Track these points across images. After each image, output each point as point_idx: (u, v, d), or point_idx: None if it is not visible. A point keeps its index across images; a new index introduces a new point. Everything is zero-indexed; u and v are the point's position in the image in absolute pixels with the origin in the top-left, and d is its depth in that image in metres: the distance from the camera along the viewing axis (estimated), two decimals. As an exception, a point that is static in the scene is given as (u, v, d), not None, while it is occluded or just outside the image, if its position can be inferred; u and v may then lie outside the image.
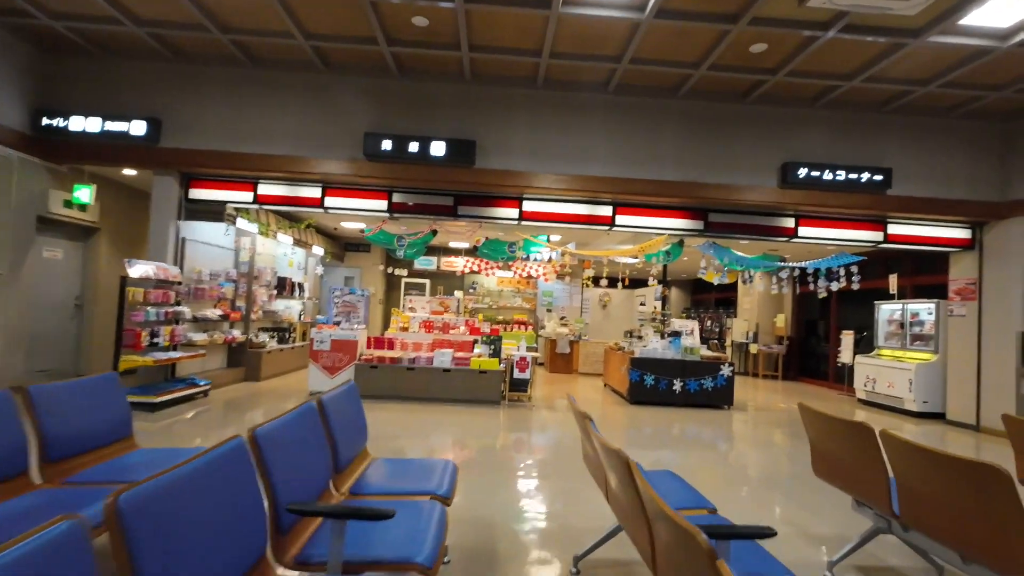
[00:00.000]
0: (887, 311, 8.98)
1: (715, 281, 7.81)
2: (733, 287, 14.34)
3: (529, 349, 11.67)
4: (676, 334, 7.98)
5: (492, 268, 11.66)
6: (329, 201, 6.75)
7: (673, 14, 4.97)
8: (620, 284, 10.46)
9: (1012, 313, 6.54)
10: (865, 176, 6.53)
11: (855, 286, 7.19)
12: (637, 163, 6.60)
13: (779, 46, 5.44)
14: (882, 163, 6.69)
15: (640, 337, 10.06)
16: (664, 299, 11.23)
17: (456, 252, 12.76)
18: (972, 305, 7.06)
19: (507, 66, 6.22)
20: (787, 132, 6.72)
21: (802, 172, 6.51)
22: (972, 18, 4.78)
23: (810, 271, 7.56)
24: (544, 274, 11.29)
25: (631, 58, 5.83)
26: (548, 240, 9.62)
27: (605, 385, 9.36)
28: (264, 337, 8.38)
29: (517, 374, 7.02)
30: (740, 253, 7.75)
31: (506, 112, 6.57)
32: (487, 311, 12.98)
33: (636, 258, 8.14)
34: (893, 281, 8.77)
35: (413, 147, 6.26)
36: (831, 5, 4.55)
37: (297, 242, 9.39)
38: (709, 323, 15.22)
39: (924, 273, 8.87)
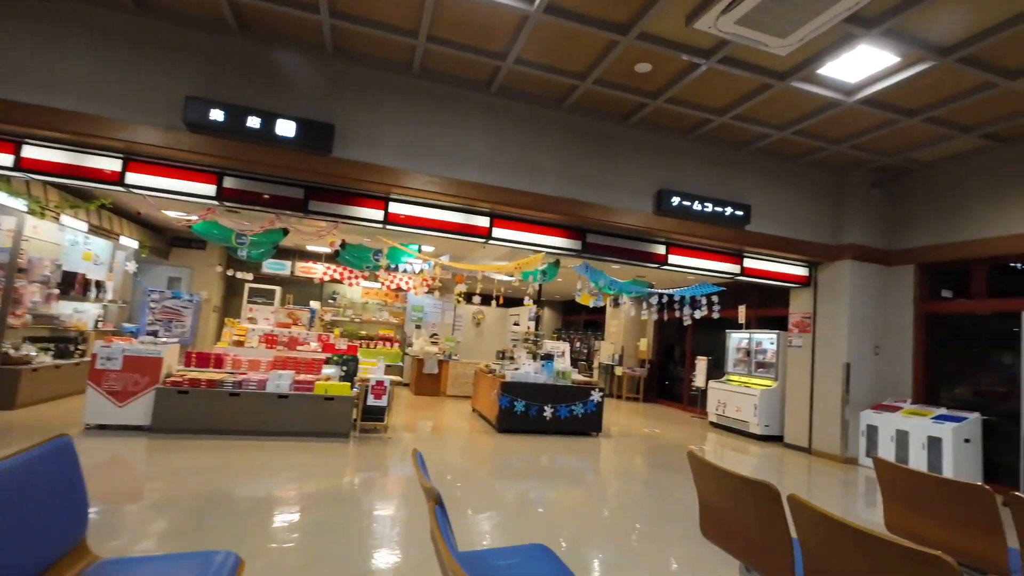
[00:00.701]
0: (736, 339, 9.63)
1: (591, 304, 7.61)
2: (602, 310, 14.76)
3: (391, 369, 10.66)
4: (549, 357, 7.64)
5: (357, 277, 10.48)
6: (133, 178, 5.24)
7: (563, 12, 4.58)
8: (495, 302, 9.96)
9: (839, 346, 7.23)
10: (729, 210, 6.80)
11: (716, 315, 7.46)
12: (518, 173, 6.13)
13: (663, 68, 5.36)
14: (743, 200, 7.05)
15: (512, 359, 9.63)
16: (538, 319, 10.98)
17: (315, 256, 11.32)
18: (808, 337, 7.72)
19: (379, 43, 5.39)
20: (664, 160, 6.78)
21: (675, 200, 6.57)
22: (828, 69, 5.08)
23: (676, 299, 7.72)
24: (414, 287, 10.42)
25: (517, 57, 5.36)
26: (419, 250, 8.81)
27: (473, 410, 8.71)
28: (30, 349, 6.34)
29: (372, 400, 6.05)
30: (612, 277, 7.69)
31: (375, 97, 5.70)
32: (348, 325, 11.68)
33: (512, 276, 7.67)
34: (742, 312, 9.43)
35: (253, 122, 5.10)
36: (715, 31, 4.49)
37: (96, 229, 7.40)
38: (578, 345, 15.47)
39: (767, 306, 9.68)
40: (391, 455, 5.39)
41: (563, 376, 7.46)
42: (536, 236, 6.54)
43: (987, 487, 2.43)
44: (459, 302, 10.48)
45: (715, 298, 7.46)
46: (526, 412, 7.06)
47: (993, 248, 6.24)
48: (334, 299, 11.77)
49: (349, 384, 6.04)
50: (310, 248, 10.72)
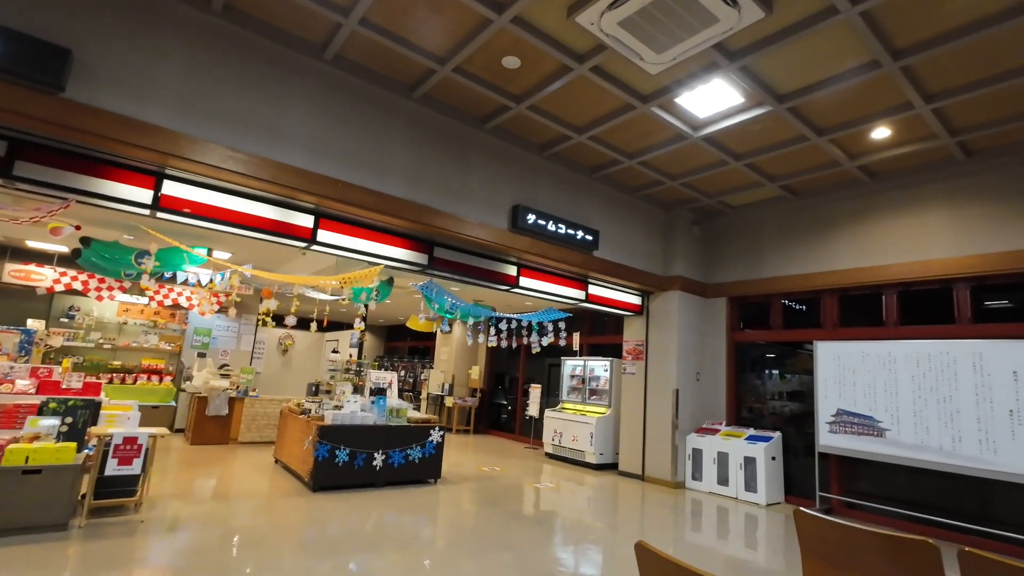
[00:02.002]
0: (571, 366, 9.59)
1: (436, 330, 6.63)
2: (430, 336, 13.80)
3: (157, 413, 8.08)
4: (380, 392, 6.39)
5: (111, 288, 7.73)
6: None
7: (432, -33, 3.72)
8: (314, 326, 8.26)
9: (670, 373, 7.52)
10: (580, 234, 6.59)
11: (563, 342, 7.15)
12: (358, 165, 4.96)
13: (532, 66, 4.84)
14: (592, 224, 6.94)
15: (329, 393, 8.04)
16: (361, 345, 9.56)
17: (42, 257, 8.15)
18: (641, 364, 7.92)
19: (161, -46, 3.80)
20: (520, 174, 6.28)
21: (531, 218, 6.10)
22: (684, 99, 5.15)
23: (524, 324, 7.23)
24: (200, 304, 8.10)
25: (362, 17, 4.29)
26: (210, 253, 6.82)
27: (277, 462, 6.89)
28: None
29: (114, 467, 4.07)
30: (452, 299, 6.87)
31: (152, 28, 4.01)
32: (93, 353, 8.61)
33: (340, 294, 6.30)
34: (576, 339, 9.45)
35: (-98, 13, 3.04)
36: (596, 29, 4.11)
37: None
38: (403, 373, 14.20)
39: (598, 333, 9.90)
40: (139, 556, 3.58)
41: (398, 415, 6.28)
42: (375, 245, 5.38)
43: (931, 541, 2.16)
44: (264, 323, 8.48)
45: (562, 324, 7.16)
46: (351, 462, 5.68)
47: (784, 285, 7.13)
48: (72, 317, 8.59)
49: (75, 444, 3.99)
50: (32, 244, 7.63)
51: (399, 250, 5.55)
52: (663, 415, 7.47)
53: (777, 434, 6.84)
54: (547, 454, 9.13)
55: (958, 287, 5.79)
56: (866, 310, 6.52)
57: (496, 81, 5.13)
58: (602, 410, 8.58)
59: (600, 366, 9.00)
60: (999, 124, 5.05)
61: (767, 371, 7.70)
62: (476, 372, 12.18)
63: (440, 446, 6.39)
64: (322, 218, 5.04)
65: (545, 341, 7.19)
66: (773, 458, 6.68)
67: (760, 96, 4.89)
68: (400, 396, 10.02)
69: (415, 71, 5.07)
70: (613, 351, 9.09)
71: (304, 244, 5.03)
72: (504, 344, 7.35)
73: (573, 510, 5.67)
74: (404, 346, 16.65)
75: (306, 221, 4.95)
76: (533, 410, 10.23)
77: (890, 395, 5.74)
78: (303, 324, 8.43)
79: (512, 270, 6.50)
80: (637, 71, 4.76)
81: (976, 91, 4.53)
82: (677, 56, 4.39)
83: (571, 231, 6.48)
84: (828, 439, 6.18)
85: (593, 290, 7.42)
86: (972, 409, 5.18)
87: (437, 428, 6.41)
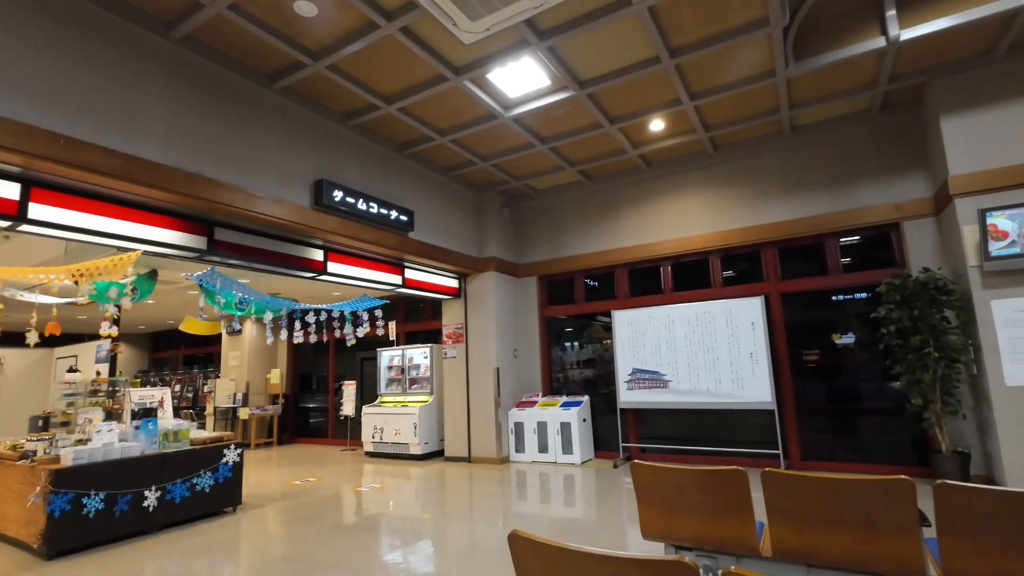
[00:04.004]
0: (388, 357, 9.09)
1: (226, 331, 5.50)
2: (214, 339, 11.73)
3: None
4: (149, 413, 5.05)
5: None
6: None
7: None
8: (33, 338, 6.10)
9: (490, 352, 7.62)
10: (395, 214, 6.16)
11: (380, 332, 6.65)
12: (93, 117, 3.71)
13: (332, 18, 4.23)
14: (406, 204, 6.55)
15: (67, 425, 6.12)
16: (113, 359, 7.60)
17: None
18: (461, 347, 7.88)
19: None
20: (323, 144, 5.54)
21: (338, 195, 5.44)
22: (496, 76, 5.12)
23: (336, 315, 6.50)
24: None
25: (90, -88, 3.17)
26: None
27: (-19, 530, 4.95)
28: None
29: None
30: (242, 292, 5.82)
31: None
32: None
33: (75, 294, 4.77)
34: (392, 328, 8.97)
35: None
36: (408, -17, 3.75)
37: None
38: (180, 388, 11.80)
39: (414, 320, 9.56)
40: None
41: (175, 438, 5.04)
42: (127, 225, 4.15)
43: (741, 469, 2.45)
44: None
45: (379, 313, 6.65)
46: (108, 510, 4.35)
47: (585, 263, 7.81)
48: None
49: None
50: None
51: (165, 231, 4.39)
52: (486, 395, 7.56)
53: (586, 398, 7.50)
54: (368, 453, 8.53)
55: (712, 257, 7.05)
56: (650, 280, 7.54)
57: (286, 30, 4.36)
58: (424, 398, 8.33)
59: (420, 353, 8.71)
60: (734, 124, 6.22)
61: (570, 343, 8.39)
62: (277, 375, 10.75)
63: (238, 467, 5.36)
64: (34, 187, 3.66)
65: (361, 332, 6.60)
66: (584, 420, 7.31)
67: (564, 80, 5.12)
68: (177, 415, 8.24)
69: (174, 2, 3.99)
70: (432, 337, 8.89)
71: (6, 224, 3.59)
72: (311, 340, 6.53)
73: (402, 507, 5.32)
74: (177, 355, 13.89)
75: (9, 191, 3.53)
76: (348, 409, 9.45)
77: (671, 351, 6.74)
78: (14, 339, 6.22)
79: (318, 255, 5.75)
80: (451, 39, 4.53)
81: (721, 94, 5.46)
82: (491, 26, 4.27)
83: (385, 210, 6.00)
84: (627, 396, 6.99)
85: (410, 274, 7.06)
86: (727, 355, 6.38)
87: (232, 446, 5.36)
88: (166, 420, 5.28)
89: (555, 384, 8.14)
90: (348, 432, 9.59)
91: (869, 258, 6.17)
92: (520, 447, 7.48)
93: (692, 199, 7.11)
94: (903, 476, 2.11)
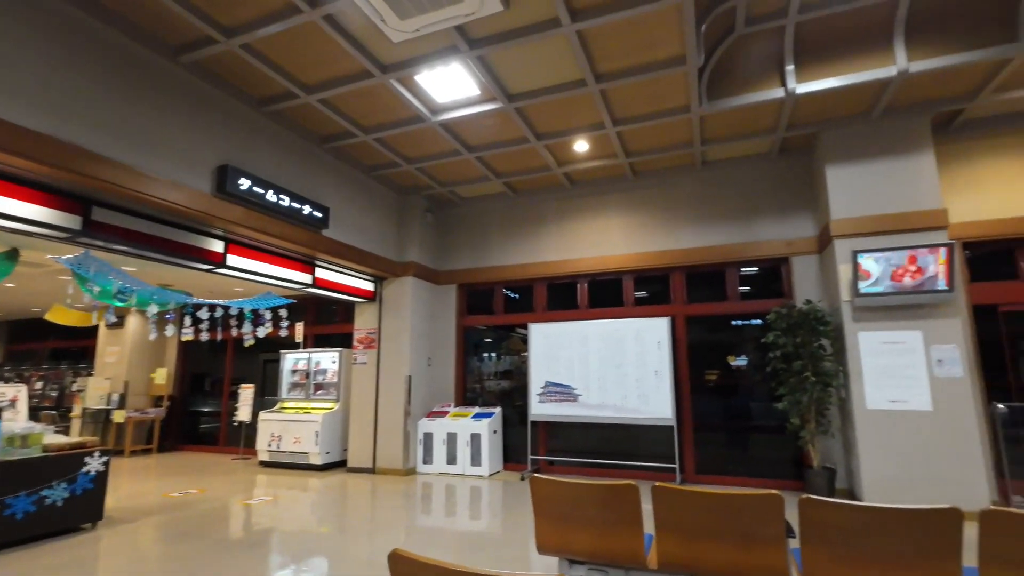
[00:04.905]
0: (292, 360, 8.55)
1: (104, 323, 4.93)
2: (89, 331, 10.46)
3: None
4: (-9, 415, 4.35)
5: None
6: None
7: None
8: None
9: (403, 360, 7.40)
10: (308, 209, 5.83)
11: (283, 332, 6.23)
12: (-64, 63, 3.17)
13: (251, -4, 3.95)
14: (322, 200, 6.23)
15: None
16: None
17: None
18: (373, 353, 7.58)
19: None
20: (235, 128, 5.14)
21: (245, 184, 5.06)
22: (425, 79, 5.03)
23: (234, 312, 6.01)
24: None
25: None
26: None
27: None
28: None
29: None
30: (122, 280, 5.24)
31: None
32: None
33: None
34: (299, 329, 8.47)
35: None
36: (336, -30, 3.59)
37: None
38: (43, 386, 10.35)
39: (325, 323, 9.09)
40: None
41: (24, 443, 4.37)
42: (-23, 194, 3.57)
43: (632, 483, 2.51)
44: None
45: (283, 312, 6.24)
46: (-76, 528, 3.66)
47: (506, 274, 7.85)
48: None
49: None
50: None
51: (26, 205, 3.83)
52: (396, 403, 7.32)
53: (498, 409, 7.48)
54: (263, 463, 7.93)
55: (626, 278, 7.35)
56: (568, 296, 7.70)
57: (201, 3, 4.01)
58: (330, 405, 7.91)
59: (328, 358, 8.28)
60: (652, 152, 6.56)
61: (487, 353, 8.37)
62: (163, 375, 9.76)
63: (102, 476, 4.75)
64: None
65: (261, 332, 6.15)
66: (495, 431, 7.28)
67: (494, 91, 5.13)
68: (35, 417, 7.21)
69: (60, -51, 3.54)
70: (343, 342, 8.48)
71: None
72: (203, 338, 5.98)
73: (296, 520, 4.97)
74: (42, 348, 12.24)
75: None
76: (244, 414, 8.76)
77: (584, 366, 6.91)
78: None
79: (217, 245, 5.30)
80: (378, 35, 4.39)
81: (641, 123, 5.74)
82: (420, 28, 4.20)
83: (297, 204, 5.67)
84: (538, 408, 7.06)
85: (322, 274, 6.71)
86: (634, 372, 6.64)
87: (97, 453, 4.74)
88: (14, 423, 4.58)
89: (471, 395, 8.07)
90: (242, 440, 8.88)
91: (764, 288, 6.72)
92: (428, 458, 7.29)
93: (612, 220, 7.39)
94: (774, 491, 2.26)
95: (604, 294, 7.48)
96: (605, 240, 7.36)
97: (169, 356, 10.12)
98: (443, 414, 7.48)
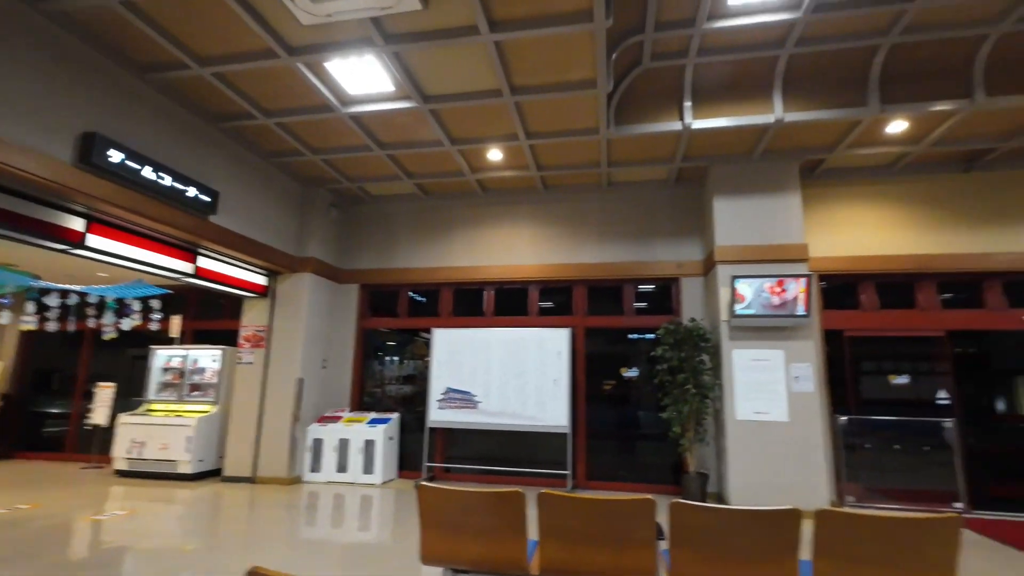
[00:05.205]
0: (164, 358, 7.66)
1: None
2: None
3: None
4: None
5: None
6: None
7: None
8: None
9: (294, 361, 6.94)
10: (193, 192, 5.30)
11: (155, 326, 5.58)
12: None
13: (136, -52, 3.53)
14: (212, 183, 5.70)
15: None
16: None
17: None
18: (261, 352, 7.03)
19: None
20: (109, 93, 4.55)
21: (117, 156, 4.49)
22: (336, 67, 4.81)
23: (94, 300, 5.28)
24: None
25: None
26: None
27: None
28: None
29: None
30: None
31: None
32: None
33: None
34: (176, 324, 7.64)
35: None
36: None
37: None
38: None
39: (210, 317, 8.28)
40: None
41: None
42: None
43: (519, 490, 2.54)
44: None
45: (155, 303, 5.59)
46: None
47: (413, 277, 7.68)
48: None
49: None
50: None
51: None
52: (283, 408, 6.84)
53: (395, 415, 7.26)
54: (120, 472, 7.01)
55: (532, 288, 7.51)
56: (473, 302, 7.70)
57: (68, -58, 3.52)
58: (206, 408, 7.20)
59: (208, 356, 7.55)
60: (562, 168, 6.80)
61: (388, 357, 8.12)
62: (-2, 370, 8.32)
63: None
64: None
65: (127, 324, 5.47)
66: (391, 438, 7.05)
67: (409, 90, 5.03)
68: None
69: None
70: (228, 339, 7.78)
71: None
72: (54, 328, 5.19)
73: (156, 537, 4.44)
74: None
75: None
76: (99, 417, 7.71)
77: (486, 373, 6.93)
78: None
79: (77, 223, 4.64)
80: (285, 14, 4.13)
81: (553, 138, 5.93)
82: (333, 13, 4.01)
83: (181, 185, 5.13)
84: (437, 415, 6.96)
85: (206, 263, 6.12)
86: (534, 381, 6.78)
87: None
88: None
89: (370, 399, 7.76)
90: (96, 446, 7.79)
91: (657, 305, 7.19)
92: (316, 466, 6.89)
93: (521, 230, 7.53)
94: (648, 496, 2.40)
95: (510, 302, 7.58)
96: (514, 249, 7.47)
97: (6, 348, 8.65)
98: (336, 419, 7.11)
